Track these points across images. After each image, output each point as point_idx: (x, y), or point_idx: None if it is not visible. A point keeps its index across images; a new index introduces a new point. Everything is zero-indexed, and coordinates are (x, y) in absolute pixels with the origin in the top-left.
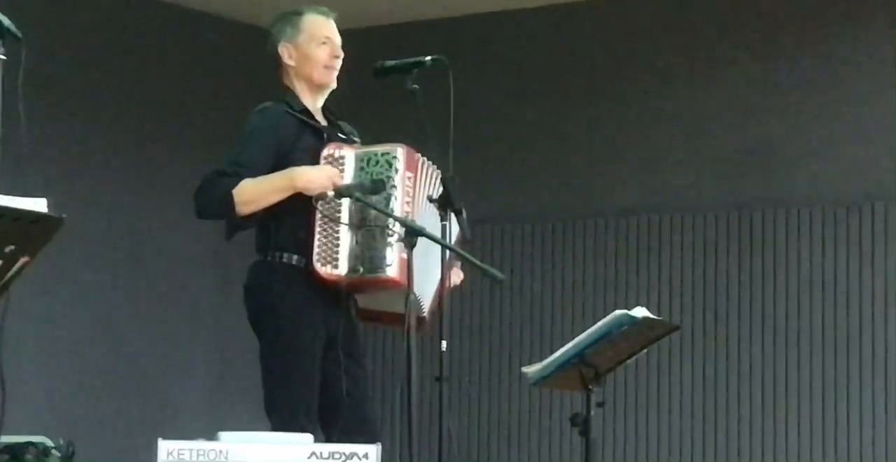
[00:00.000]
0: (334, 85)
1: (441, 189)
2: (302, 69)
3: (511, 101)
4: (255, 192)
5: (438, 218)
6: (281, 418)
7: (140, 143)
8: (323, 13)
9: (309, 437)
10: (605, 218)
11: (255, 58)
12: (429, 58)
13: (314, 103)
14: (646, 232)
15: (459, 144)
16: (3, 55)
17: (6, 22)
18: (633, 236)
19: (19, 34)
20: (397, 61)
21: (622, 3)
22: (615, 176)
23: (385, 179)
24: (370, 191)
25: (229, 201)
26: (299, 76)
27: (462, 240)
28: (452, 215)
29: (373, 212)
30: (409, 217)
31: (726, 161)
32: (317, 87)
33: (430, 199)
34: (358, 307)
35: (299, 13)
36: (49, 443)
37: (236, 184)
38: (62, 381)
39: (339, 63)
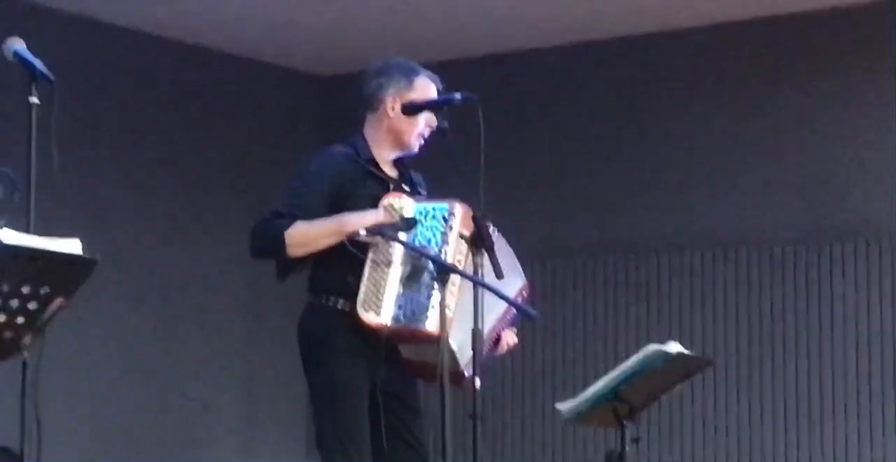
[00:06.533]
0: (415, 150)
1: (473, 226)
2: (397, 124)
3: (542, 137)
4: (306, 236)
5: (503, 283)
6: (329, 455)
7: (173, 184)
8: (433, 80)
9: None
10: (637, 254)
11: (295, 106)
12: (459, 95)
13: (387, 154)
14: (678, 267)
15: (490, 181)
16: (37, 99)
17: (39, 65)
18: (666, 272)
19: (52, 77)
20: (427, 100)
21: (659, 36)
22: (648, 212)
23: (425, 223)
24: (403, 228)
25: (281, 243)
26: (390, 128)
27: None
28: (484, 252)
29: (422, 260)
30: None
31: (761, 196)
32: (399, 145)
33: (461, 237)
34: (403, 358)
35: (416, 70)
36: None
37: (289, 225)
38: (96, 420)
39: (428, 133)
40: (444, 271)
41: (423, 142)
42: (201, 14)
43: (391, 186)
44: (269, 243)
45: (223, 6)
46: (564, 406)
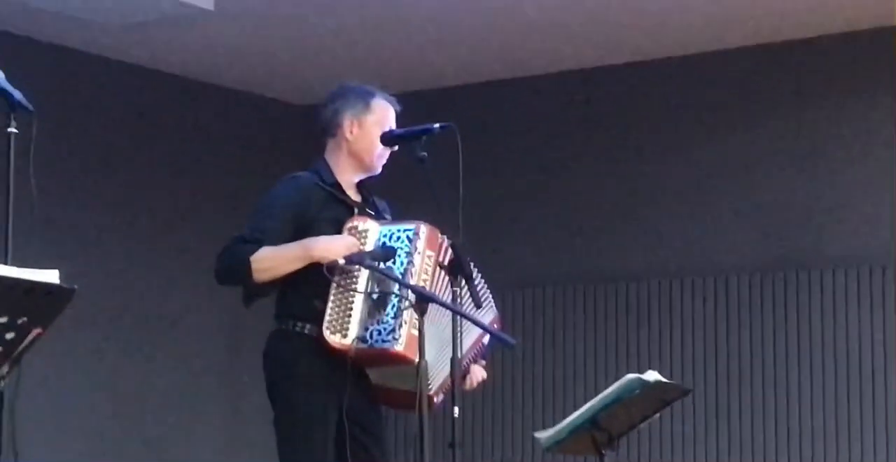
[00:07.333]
0: (378, 171)
1: (451, 255)
2: (357, 146)
3: (520, 167)
4: (272, 261)
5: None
6: None
7: (150, 213)
8: (391, 102)
9: None
10: (616, 282)
11: (274, 135)
12: (437, 125)
13: (350, 178)
14: (655, 297)
15: (469, 211)
16: (16, 129)
17: (17, 95)
18: (645, 300)
19: (31, 107)
20: (405, 129)
21: (632, 69)
22: (627, 240)
23: (398, 248)
24: (381, 258)
25: (246, 268)
26: (350, 152)
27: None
28: (463, 281)
29: (390, 284)
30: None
31: (738, 225)
32: (361, 168)
33: (440, 266)
34: (371, 384)
35: (371, 93)
36: None
37: (255, 251)
38: (75, 452)
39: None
40: (423, 300)
41: (384, 160)
42: (180, 45)
43: (355, 210)
44: (234, 269)
45: (202, 37)
46: (543, 435)
